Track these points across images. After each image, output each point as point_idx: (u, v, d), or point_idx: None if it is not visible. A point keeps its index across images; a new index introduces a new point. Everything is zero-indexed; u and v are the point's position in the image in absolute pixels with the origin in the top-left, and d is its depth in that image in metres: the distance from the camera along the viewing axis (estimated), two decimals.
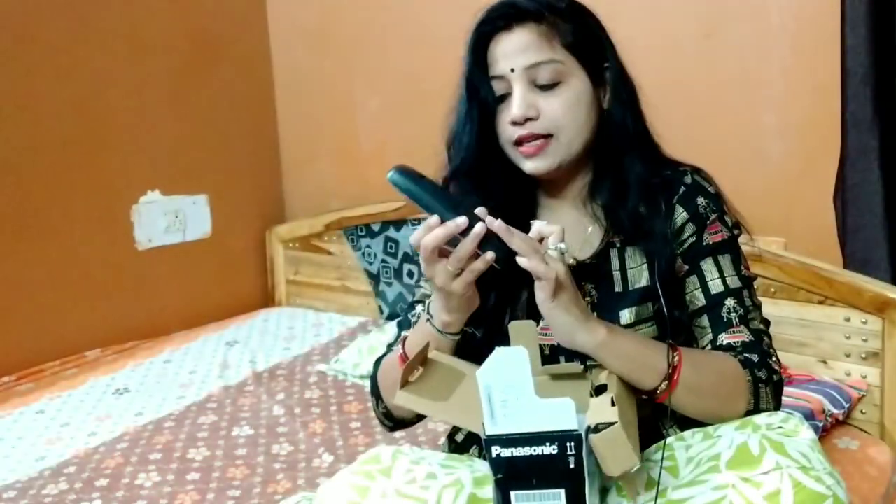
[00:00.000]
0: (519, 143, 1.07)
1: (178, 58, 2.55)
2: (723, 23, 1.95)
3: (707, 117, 1.96)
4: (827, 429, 1.64)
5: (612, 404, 0.87)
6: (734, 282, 1.09)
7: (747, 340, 1.06)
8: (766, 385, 1.03)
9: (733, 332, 1.06)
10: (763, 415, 0.95)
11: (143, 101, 2.47)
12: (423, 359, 1.01)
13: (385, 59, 2.55)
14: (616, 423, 0.83)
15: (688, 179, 1.11)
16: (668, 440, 0.98)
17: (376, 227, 2.54)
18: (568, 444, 0.82)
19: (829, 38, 1.76)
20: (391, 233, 2.50)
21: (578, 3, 1.11)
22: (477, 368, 1.00)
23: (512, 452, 0.83)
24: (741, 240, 1.14)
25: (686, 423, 1.11)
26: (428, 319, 1.04)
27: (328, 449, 1.69)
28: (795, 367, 1.80)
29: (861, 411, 1.73)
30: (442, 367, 1.02)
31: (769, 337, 1.10)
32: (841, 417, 1.67)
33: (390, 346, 1.23)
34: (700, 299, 1.09)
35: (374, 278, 2.57)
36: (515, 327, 0.97)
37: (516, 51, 1.05)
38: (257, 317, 2.65)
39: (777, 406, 1.05)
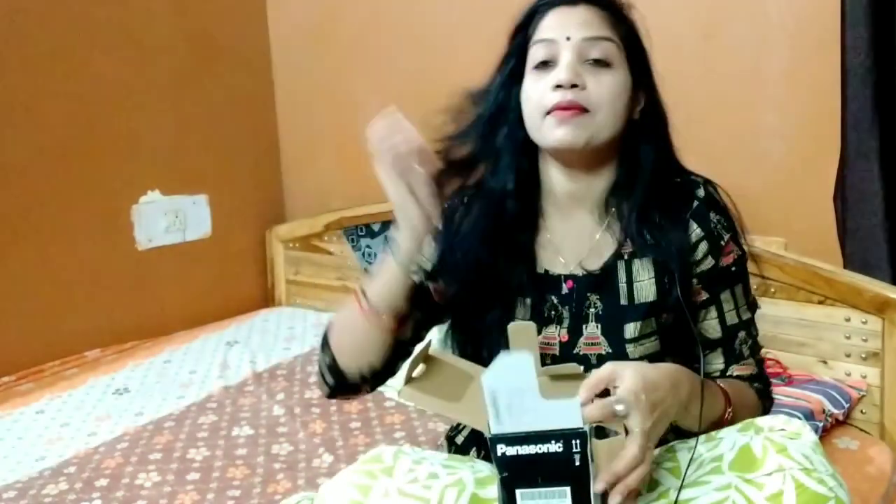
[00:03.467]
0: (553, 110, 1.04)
1: (178, 58, 2.55)
2: (723, 23, 1.96)
3: (707, 117, 1.96)
4: (827, 429, 1.64)
5: None
6: (745, 312, 1.13)
7: (754, 373, 1.13)
8: (769, 413, 1.12)
9: (743, 364, 1.13)
10: (765, 417, 0.96)
11: (143, 101, 2.47)
12: (424, 356, 1.01)
13: (385, 58, 2.55)
14: (620, 434, 0.83)
15: (700, 193, 1.10)
16: (672, 442, 0.98)
17: (376, 227, 2.54)
18: (573, 442, 0.82)
19: (829, 38, 1.76)
20: (391, 233, 2.50)
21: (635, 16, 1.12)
22: (477, 366, 0.99)
23: (517, 451, 0.83)
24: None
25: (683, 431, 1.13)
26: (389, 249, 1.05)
27: (328, 449, 1.69)
28: (795, 367, 1.80)
29: (861, 411, 1.73)
30: (444, 365, 1.02)
31: (764, 363, 1.17)
32: (841, 417, 1.67)
33: None
34: (717, 330, 1.11)
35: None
36: (514, 329, 0.97)
37: (577, 23, 1.05)
38: (257, 317, 2.65)
39: None
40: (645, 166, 1.08)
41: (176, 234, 2.58)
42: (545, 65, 1.05)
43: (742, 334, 1.12)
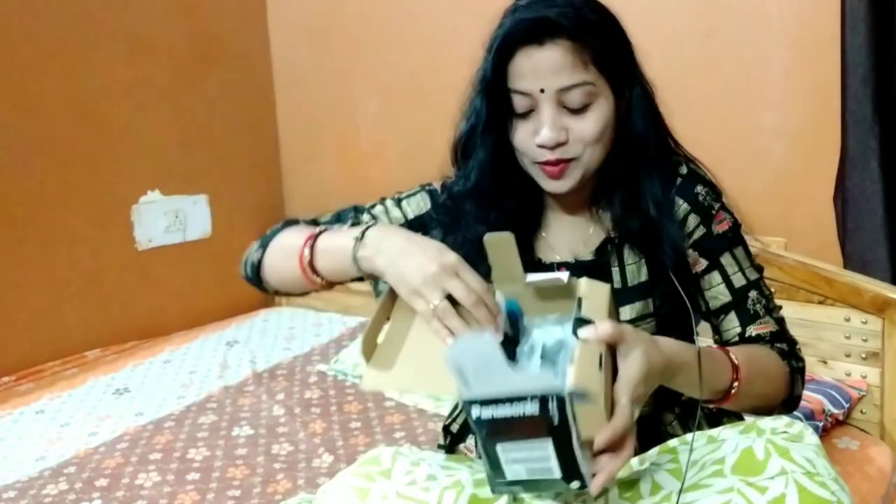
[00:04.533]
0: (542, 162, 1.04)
1: (178, 58, 2.55)
2: (723, 23, 1.96)
3: (707, 117, 1.96)
4: (827, 429, 1.64)
5: (600, 365, 0.81)
6: (752, 272, 1.11)
7: (774, 330, 1.10)
8: (799, 373, 1.08)
9: (761, 322, 1.09)
10: (768, 419, 0.95)
11: (143, 101, 2.47)
12: (386, 314, 0.95)
13: (385, 59, 2.55)
14: (598, 402, 0.79)
15: (683, 170, 1.11)
16: (672, 443, 0.98)
17: None
18: (550, 404, 0.77)
19: (829, 38, 1.76)
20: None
21: (609, 12, 1.05)
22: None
23: (492, 414, 0.79)
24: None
25: (687, 418, 1.12)
26: (365, 230, 1.03)
27: (328, 449, 1.69)
28: None
29: (861, 411, 1.73)
30: (410, 316, 0.95)
31: (785, 320, 1.13)
32: (841, 417, 1.67)
33: (315, 221, 1.22)
34: (725, 294, 1.10)
35: (374, 278, 2.56)
36: (492, 240, 0.90)
37: (548, 70, 0.99)
38: (257, 317, 2.65)
39: (802, 389, 1.10)
40: (639, 152, 1.08)
41: (176, 234, 2.58)
42: (526, 112, 1.03)
43: (754, 293, 1.09)
